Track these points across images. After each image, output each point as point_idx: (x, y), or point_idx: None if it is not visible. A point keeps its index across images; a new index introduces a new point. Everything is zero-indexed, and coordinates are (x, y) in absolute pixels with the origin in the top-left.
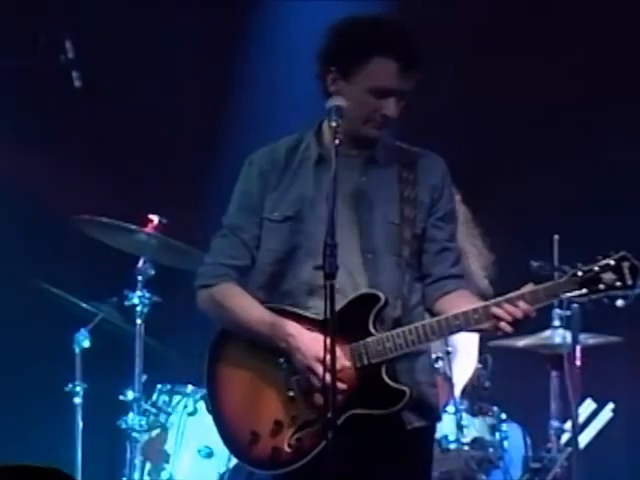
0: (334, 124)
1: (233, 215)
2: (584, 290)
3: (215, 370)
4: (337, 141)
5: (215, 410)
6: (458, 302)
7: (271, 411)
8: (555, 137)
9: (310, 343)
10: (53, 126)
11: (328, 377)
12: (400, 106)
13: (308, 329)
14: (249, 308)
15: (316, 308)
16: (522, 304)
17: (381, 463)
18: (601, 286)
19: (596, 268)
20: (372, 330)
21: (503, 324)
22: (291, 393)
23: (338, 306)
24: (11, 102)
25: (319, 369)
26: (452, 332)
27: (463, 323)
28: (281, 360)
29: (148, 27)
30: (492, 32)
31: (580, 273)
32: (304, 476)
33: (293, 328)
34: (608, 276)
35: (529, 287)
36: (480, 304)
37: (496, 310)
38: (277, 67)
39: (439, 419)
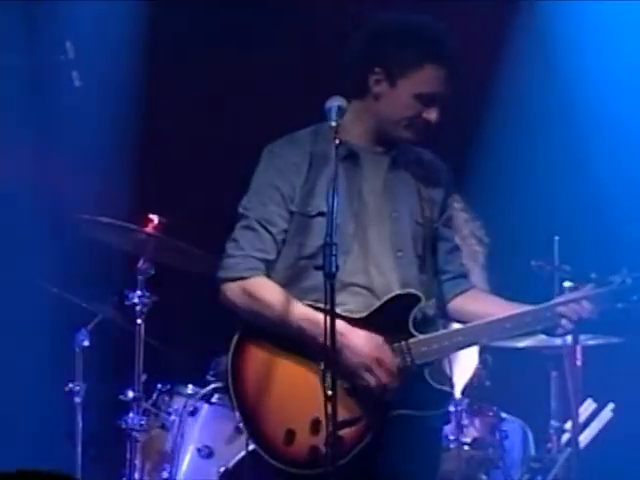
0: (334, 124)
1: (259, 207)
2: (634, 297)
3: (241, 365)
4: (337, 141)
5: (243, 408)
6: (485, 302)
7: (308, 409)
8: (555, 136)
9: (362, 341)
10: (53, 126)
11: (381, 375)
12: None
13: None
14: (290, 304)
15: (344, 305)
16: (586, 304)
17: (413, 463)
18: None
19: None
20: (413, 331)
21: (565, 322)
22: (330, 392)
23: (370, 305)
24: (11, 102)
25: (375, 367)
26: (502, 335)
27: (514, 326)
28: (320, 356)
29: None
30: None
31: (629, 280)
32: (342, 476)
33: (342, 326)
34: None
35: (589, 289)
36: (531, 307)
37: (562, 309)
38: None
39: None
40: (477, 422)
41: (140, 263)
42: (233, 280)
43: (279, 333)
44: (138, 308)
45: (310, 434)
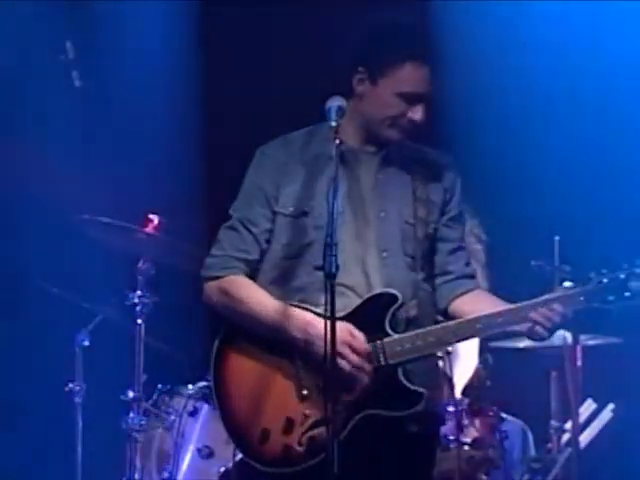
0: (334, 124)
1: (244, 207)
2: (610, 297)
3: (222, 367)
4: (337, 141)
5: (223, 407)
6: (481, 302)
7: (283, 409)
8: (555, 136)
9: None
10: (53, 125)
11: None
12: (425, 111)
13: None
14: (263, 299)
15: (328, 305)
16: (557, 307)
17: (386, 465)
18: (627, 294)
19: (622, 276)
20: (389, 330)
21: (539, 328)
22: (305, 391)
23: (352, 304)
24: (11, 102)
25: (346, 351)
26: (473, 336)
27: (484, 327)
28: (296, 356)
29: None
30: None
31: (606, 280)
32: (314, 476)
33: (311, 317)
34: (635, 284)
35: (561, 289)
36: (505, 307)
37: (533, 315)
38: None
39: (443, 423)
40: (477, 422)
41: (140, 263)
42: (212, 279)
43: (257, 336)
44: (138, 308)
45: (283, 433)
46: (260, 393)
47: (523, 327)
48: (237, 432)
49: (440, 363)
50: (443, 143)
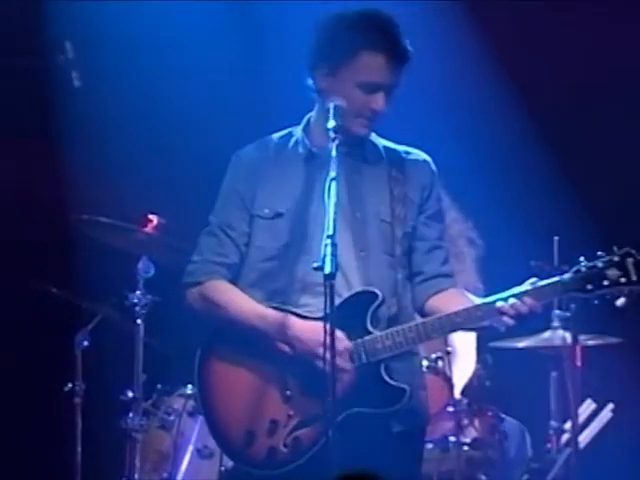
0: (334, 124)
1: (221, 212)
2: (588, 286)
3: (207, 369)
4: (337, 141)
5: (207, 410)
6: (453, 300)
7: (267, 410)
8: (555, 137)
9: (310, 330)
10: (53, 126)
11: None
12: (388, 101)
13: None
14: (243, 302)
15: (308, 306)
16: (527, 299)
17: (371, 462)
18: (605, 282)
19: (600, 264)
20: (370, 328)
21: (506, 318)
22: (288, 392)
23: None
24: (11, 102)
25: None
26: (453, 330)
27: (464, 320)
28: (278, 358)
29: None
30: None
31: (583, 269)
32: (301, 476)
33: (290, 319)
34: (612, 272)
35: (532, 282)
36: (483, 300)
37: (501, 305)
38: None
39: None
40: (477, 422)
41: (140, 263)
42: (192, 285)
43: (239, 339)
44: (138, 308)
45: (268, 435)
46: (243, 396)
47: (493, 321)
48: (222, 436)
49: (440, 363)
50: (443, 143)
